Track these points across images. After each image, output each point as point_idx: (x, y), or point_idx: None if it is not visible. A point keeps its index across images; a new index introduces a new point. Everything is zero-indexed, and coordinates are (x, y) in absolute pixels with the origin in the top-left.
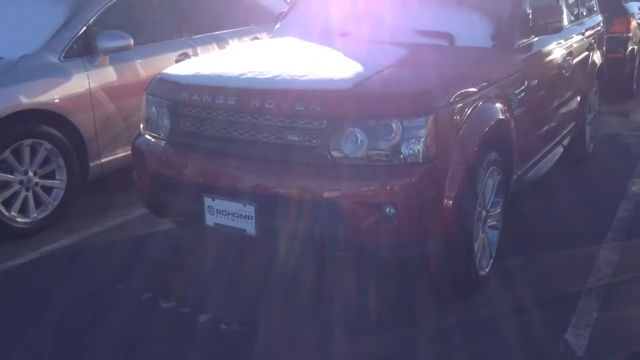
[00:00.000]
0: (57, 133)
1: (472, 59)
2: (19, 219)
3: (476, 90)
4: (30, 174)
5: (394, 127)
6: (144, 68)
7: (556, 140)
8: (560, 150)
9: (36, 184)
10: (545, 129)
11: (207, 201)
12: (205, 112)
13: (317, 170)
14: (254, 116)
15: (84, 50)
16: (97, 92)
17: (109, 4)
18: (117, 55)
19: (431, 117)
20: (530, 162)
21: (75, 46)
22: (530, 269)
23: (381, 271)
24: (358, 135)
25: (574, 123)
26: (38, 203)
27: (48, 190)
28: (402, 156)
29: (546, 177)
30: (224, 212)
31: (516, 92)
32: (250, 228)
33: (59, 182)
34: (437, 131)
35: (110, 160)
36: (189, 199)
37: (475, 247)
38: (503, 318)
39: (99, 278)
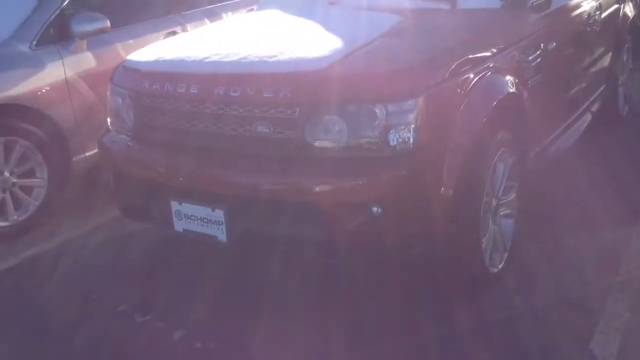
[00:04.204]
0: (33, 128)
1: (476, 23)
2: None
3: (479, 60)
4: (7, 173)
5: (378, 113)
6: (127, 51)
7: (583, 107)
8: (588, 117)
9: (14, 184)
10: (568, 96)
11: (174, 205)
12: (168, 102)
13: (291, 166)
14: (219, 106)
15: (58, 36)
16: (75, 80)
17: None
18: (96, 39)
19: (421, 99)
20: (552, 136)
21: (47, 32)
22: (551, 261)
23: (374, 275)
24: (336, 123)
25: (604, 86)
26: (18, 204)
27: (29, 190)
28: (389, 146)
29: (571, 151)
30: (193, 217)
31: (530, 58)
32: (221, 235)
33: (39, 181)
34: (429, 114)
35: (96, 154)
36: (157, 202)
37: (484, 243)
38: (518, 323)
39: (78, 286)
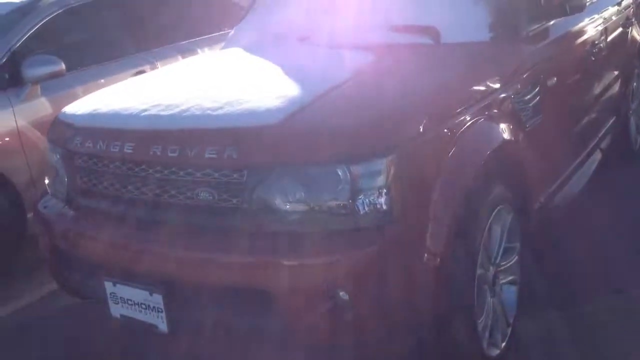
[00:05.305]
0: None
1: (462, 60)
2: None
3: (467, 105)
4: None
5: (341, 176)
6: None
7: (591, 145)
8: (598, 156)
9: None
10: (573, 136)
11: (108, 286)
12: (101, 164)
13: (239, 241)
14: (156, 169)
15: (8, 82)
16: (28, 130)
17: (43, 22)
18: (52, 84)
19: (391, 158)
20: (557, 183)
21: None
22: (562, 334)
23: None
24: (292, 189)
25: (614, 118)
26: None
27: None
28: (356, 215)
29: (580, 197)
30: (130, 302)
31: (527, 98)
32: (161, 323)
33: None
34: (405, 174)
35: None
36: (91, 280)
37: (481, 325)
38: None
39: None
